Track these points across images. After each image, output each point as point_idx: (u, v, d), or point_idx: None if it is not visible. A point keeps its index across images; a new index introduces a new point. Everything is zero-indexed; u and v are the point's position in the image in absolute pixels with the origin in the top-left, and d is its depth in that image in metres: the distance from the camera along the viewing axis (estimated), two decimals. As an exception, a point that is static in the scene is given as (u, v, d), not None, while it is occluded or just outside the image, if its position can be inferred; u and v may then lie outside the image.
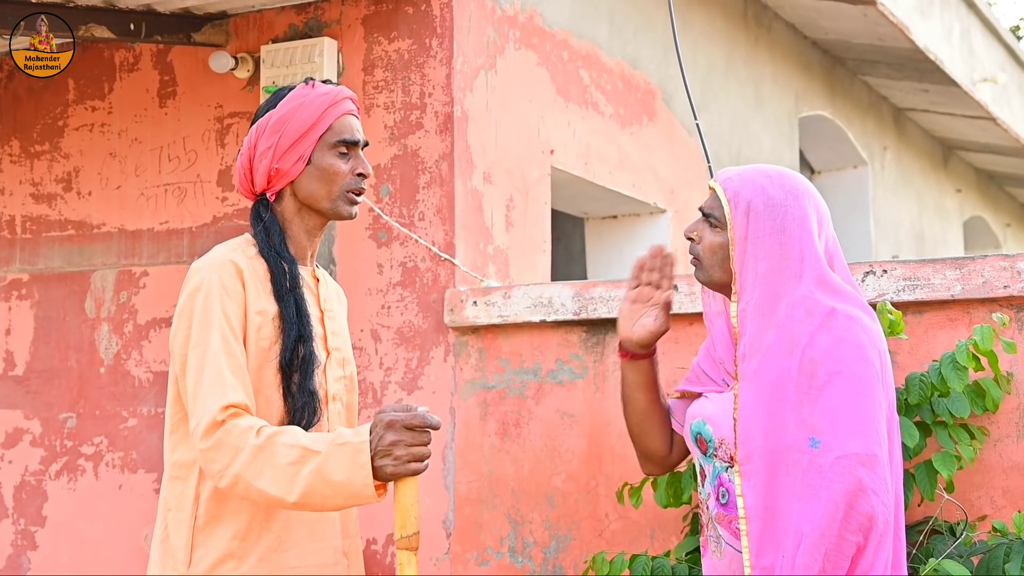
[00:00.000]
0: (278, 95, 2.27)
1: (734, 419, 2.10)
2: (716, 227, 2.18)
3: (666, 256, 2.32)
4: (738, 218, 2.13)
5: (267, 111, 2.25)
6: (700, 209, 2.21)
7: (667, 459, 2.39)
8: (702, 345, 2.34)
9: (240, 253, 2.18)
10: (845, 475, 1.96)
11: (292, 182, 2.22)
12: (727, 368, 2.22)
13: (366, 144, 2.30)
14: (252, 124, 2.27)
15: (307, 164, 2.21)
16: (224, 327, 2.07)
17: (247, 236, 2.24)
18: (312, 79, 2.28)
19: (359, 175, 2.24)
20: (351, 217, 2.27)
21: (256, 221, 2.23)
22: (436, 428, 1.97)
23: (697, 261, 2.22)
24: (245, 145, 2.25)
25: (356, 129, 2.27)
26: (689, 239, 2.23)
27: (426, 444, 1.96)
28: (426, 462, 1.97)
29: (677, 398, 2.35)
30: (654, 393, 2.35)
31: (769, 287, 2.10)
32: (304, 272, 2.25)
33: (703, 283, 2.23)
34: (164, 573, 2.12)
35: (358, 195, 2.26)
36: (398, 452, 1.94)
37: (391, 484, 1.99)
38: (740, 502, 2.06)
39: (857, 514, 1.96)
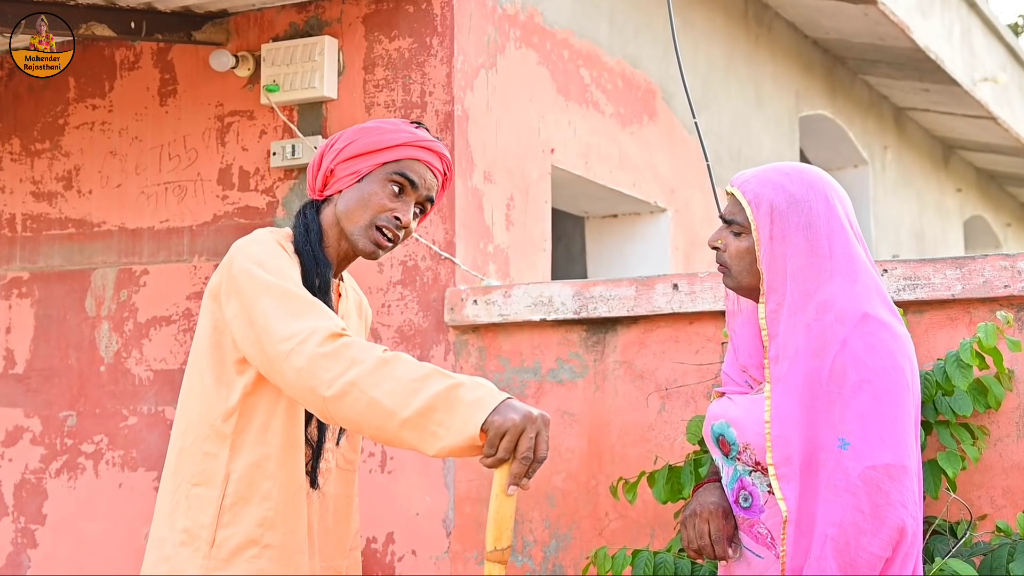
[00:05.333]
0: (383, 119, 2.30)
1: (766, 422, 2.07)
2: (740, 233, 2.16)
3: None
4: (761, 219, 2.11)
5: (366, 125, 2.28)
6: (721, 217, 2.20)
7: None
8: (727, 353, 2.33)
9: (285, 242, 2.20)
10: (873, 487, 1.95)
11: (341, 192, 2.23)
12: (751, 374, 2.20)
13: (430, 201, 2.27)
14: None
15: (357, 181, 2.21)
16: (299, 283, 2.11)
17: (287, 231, 2.25)
18: (422, 124, 2.29)
19: (396, 217, 2.21)
20: (369, 255, 2.23)
21: (300, 217, 2.25)
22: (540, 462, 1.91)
23: (725, 268, 2.20)
24: (329, 141, 2.28)
25: (424, 177, 2.23)
26: (714, 248, 2.21)
27: (530, 463, 1.89)
28: (526, 481, 1.91)
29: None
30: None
31: (800, 285, 2.07)
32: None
33: (732, 289, 2.22)
34: (178, 552, 2.10)
35: (388, 238, 2.22)
36: (528, 429, 1.85)
37: (492, 496, 1.93)
38: (783, 506, 2.04)
39: (887, 528, 1.95)
